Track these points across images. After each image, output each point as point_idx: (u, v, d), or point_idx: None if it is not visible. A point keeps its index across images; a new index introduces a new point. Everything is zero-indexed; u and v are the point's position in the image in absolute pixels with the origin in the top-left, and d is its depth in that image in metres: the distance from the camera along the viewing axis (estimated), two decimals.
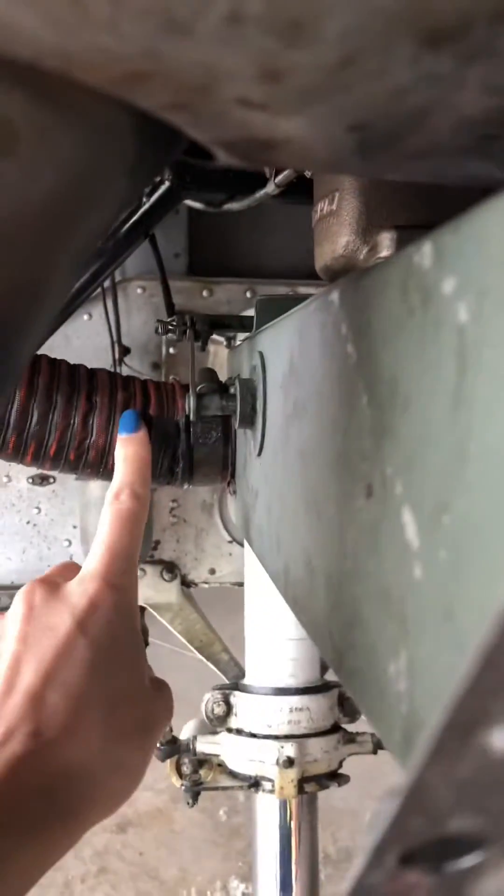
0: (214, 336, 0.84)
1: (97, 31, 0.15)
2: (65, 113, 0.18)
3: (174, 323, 0.68)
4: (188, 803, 0.97)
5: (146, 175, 0.23)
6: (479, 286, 0.19)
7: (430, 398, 0.22)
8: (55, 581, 0.40)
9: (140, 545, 0.42)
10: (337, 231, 0.52)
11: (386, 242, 0.47)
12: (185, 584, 1.14)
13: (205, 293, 1.14)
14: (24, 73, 0.17)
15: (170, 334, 0.70)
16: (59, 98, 0.18)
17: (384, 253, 0.47)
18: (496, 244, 0.18)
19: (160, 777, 2.11)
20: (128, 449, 0.44)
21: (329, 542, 0.33)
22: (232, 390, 0.58)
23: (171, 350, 1.09)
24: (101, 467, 0.64)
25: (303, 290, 1.15)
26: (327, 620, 0.33)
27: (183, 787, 0.97)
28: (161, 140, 0.22)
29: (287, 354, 0.44)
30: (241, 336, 0.79)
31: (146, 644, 1.28)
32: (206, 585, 1.15)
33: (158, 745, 0.98)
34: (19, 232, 0.19)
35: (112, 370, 0.95)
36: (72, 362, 0.70)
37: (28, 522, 1.12)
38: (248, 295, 1.15)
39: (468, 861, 0.17)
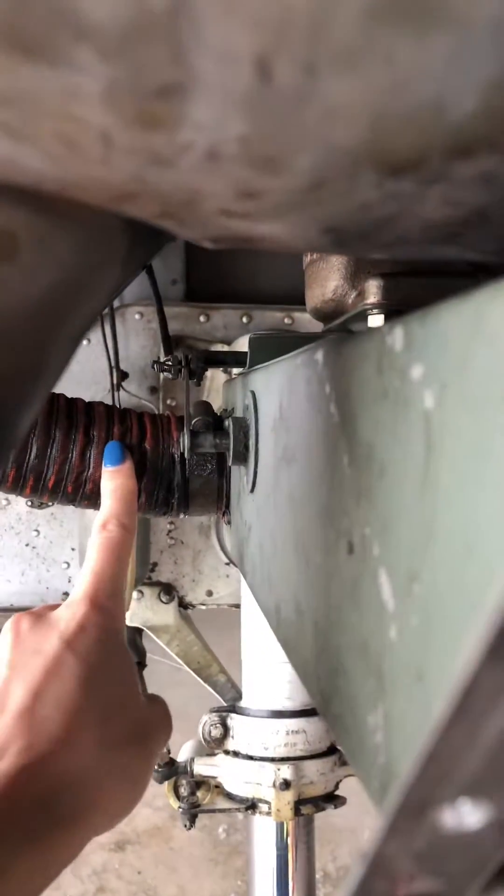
0: None
1: (90, 165, 0.17)
2: (62, 222, 0.20)
3: (170, 362, 0.70)
4: (185, 826, 0.97)
5: (138, 262, 0.25)
6: (442, 378, 0.20)
7: (402, 472, 0.23)
8: (40, 612, 0.42)
9: (126, 571, 0.44)
10: (326, 276, 0.53)
11: (373, 290, 0.49)
12: (183, 605, 1.15)
13: (202, 318, 1.16)
14: (25, 193, 0.18)
15: (165, 373, 0.71)
16: (57, 211, 0.19)
17: (371, 299, 0.49)
18: (454, 343, 0.19)
19: (159, 794, 2.10)
20: (115, 481, 0.46)
21: (316, 590, 0.35)
22: (226, 424, 0.60)
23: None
24: (99, 499, 0.65)
25: (298, 315, 1.17)
26: (315, 664, 0.35)
27: (180, 809, 0.98)
28: (151, 233, 0.23)
29: (277, 400, 0.45)
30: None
31: (144, 665, 1.28)
32: (204, 607, 1.16)
33: (157, 766, 0.99)
34: (19, 325, 0.20)
35: (111, 397, 0.96)
36: (71, 386, 0.72)
37: (27, 545, 1.13)
38: (245, 320, 1.17)
39: None
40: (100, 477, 0.66)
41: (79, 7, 0.13)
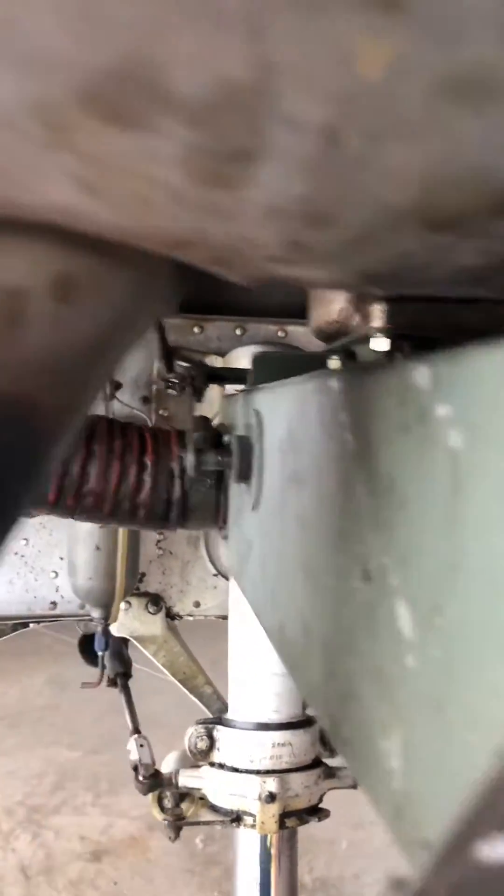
0: None
1: (157, 218, 0.18)
2: (118, 266, 0.20)
3: (174, 380, 0.70)
4: (169, 838, 0.97)
5: (177, 296, 0.25)
6: (472, 419, 0.21)
7: (426, 506, 0.24)
8: None
9: None
10: (331, 298, 0.54)
11: (377, 314, 0.50)
12: (170, 616, 1.15)
13: (196, 330, 1.17)
14: (86, 238, 0.19)
15: (170, 390, 0.72)
16: (114, 255, 0.20)
17: (376, 324, 0.50)
18: (489, 386, 0.20)
19: (136, 804, 2.09)
20: None
21: (326, 613, 0.35)
22: (227, 439, 0.60)
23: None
24: (99, 513, 0.66)
25: (291, 329, 1.18)
26: (323, 687, 0.35)
27: (165, 822, 0.98)
28: (193, 271, 0.24)
29: (285, 421, 0.46)
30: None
31: (129, 675, 1.28)
32: (191, 618, 1.17)
33: (141, 778, 0.99)
34: (73, 363, 0.21)
35: (103, 407, 0.97)
36: None
37: (15, 553, 1.13)
38: (239, 332, 1.18)
39: None
40: (101, 491, 0.66)
41: (170, 82, 0.13)
